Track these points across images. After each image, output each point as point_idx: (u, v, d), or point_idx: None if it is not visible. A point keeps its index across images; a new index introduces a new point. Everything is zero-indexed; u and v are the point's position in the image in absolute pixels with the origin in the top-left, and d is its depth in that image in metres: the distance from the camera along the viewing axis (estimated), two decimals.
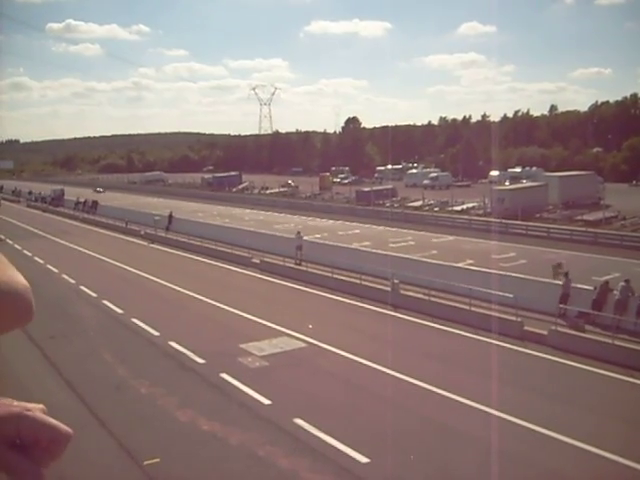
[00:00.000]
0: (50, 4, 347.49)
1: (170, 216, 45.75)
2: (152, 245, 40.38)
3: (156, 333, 20.06)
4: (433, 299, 22.05)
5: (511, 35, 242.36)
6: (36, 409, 1.08)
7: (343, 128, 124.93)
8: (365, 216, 49.85)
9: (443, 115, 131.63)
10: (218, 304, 23.69)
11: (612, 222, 41.27)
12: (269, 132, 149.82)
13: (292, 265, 30.36)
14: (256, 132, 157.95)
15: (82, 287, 27.20)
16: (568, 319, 19.91)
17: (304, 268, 29.28)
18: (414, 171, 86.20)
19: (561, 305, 20.17)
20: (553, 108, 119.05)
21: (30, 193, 78.71)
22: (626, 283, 20.30)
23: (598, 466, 11.43)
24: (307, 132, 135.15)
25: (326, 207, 57.54)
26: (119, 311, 23.03)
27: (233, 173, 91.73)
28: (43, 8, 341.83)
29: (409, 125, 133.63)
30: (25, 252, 37.65)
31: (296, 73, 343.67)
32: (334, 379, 16.22)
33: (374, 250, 31.16)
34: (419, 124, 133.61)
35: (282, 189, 75.69)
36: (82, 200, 63.29)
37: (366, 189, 63.41)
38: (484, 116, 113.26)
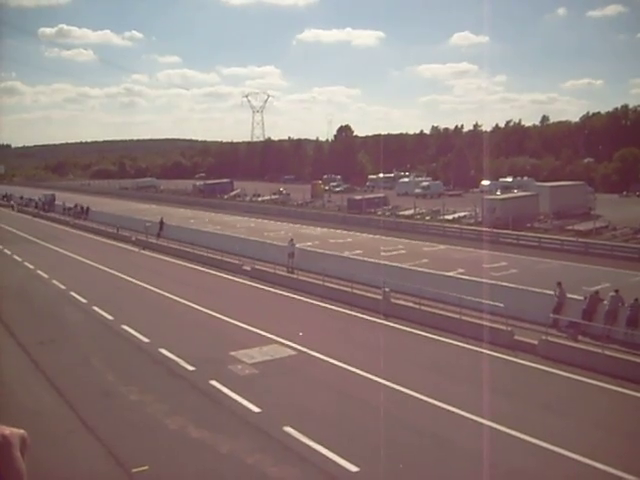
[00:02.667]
0: (43, 9, 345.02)
1: (161, 222, 45.60)
2: (143, 251, 40.24)
3: (146, 340, 19.97)
4: (424, 308, 22.06)
5: (503, 46, 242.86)
6: (15, 435, 1.05)
7: (335, 136, 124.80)
8: (357, 224, 49.86)
9: (435, 124, 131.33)
10: (208, 311, 23.61)
11: (602, 232, 41.41)
12: (261, 139, 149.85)
13: (283, 272, 30.32)
14: (248, 139, 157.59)
15: (72, 293, 27.07)
16: (559, 329, 19.96)
17: (295, 276, 29.26)
18: (406, 180, 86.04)
19: (552, 315, 20.21)
20: (545, 118, 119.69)
21: (21, 198, 78.57)
22: (616, 293, 20.40)
23: (589, 477, 11.43)
24: (299, 140, 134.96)
25: (318, 215, 57.51)
26: (109, 317, 22.92)
27: (225, 180, 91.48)
28: (36, 13, 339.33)
29: (401, 134, 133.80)
30: (15, 257, 37.51)
31: (289, 81, 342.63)
32: (324, 387, 16.17)
33: (365, 258, 31.16)
34: (411, 133, 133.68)
35: (274, 196, 75.54)
36: (71, 205, 63.17)
37: (358, 197, 63.42)
38: (476, 126, 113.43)
